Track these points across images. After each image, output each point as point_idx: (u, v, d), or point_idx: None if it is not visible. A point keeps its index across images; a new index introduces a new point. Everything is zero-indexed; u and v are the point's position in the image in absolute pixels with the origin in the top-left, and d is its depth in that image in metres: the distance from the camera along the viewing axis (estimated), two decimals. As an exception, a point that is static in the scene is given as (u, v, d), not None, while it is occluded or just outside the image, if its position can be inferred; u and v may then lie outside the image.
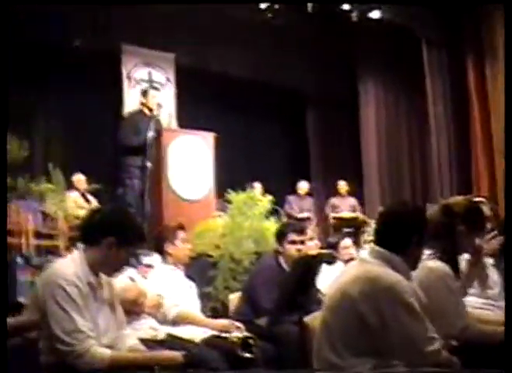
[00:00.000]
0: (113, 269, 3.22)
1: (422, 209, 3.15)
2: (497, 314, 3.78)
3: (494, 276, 4.01)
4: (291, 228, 5.08)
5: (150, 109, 7.88)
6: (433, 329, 2.73)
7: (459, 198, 3.67)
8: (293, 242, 4.93)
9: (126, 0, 9.71)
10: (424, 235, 2.96)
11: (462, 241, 3.41)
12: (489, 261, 3.95)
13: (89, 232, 3.17)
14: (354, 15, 11.41)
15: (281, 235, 4.99)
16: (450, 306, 3.21)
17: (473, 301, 3.75)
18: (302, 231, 5.07)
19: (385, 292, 2.69)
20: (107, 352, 2.97)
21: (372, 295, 2.70)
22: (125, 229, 3.16)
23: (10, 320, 3.12)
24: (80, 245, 3.16)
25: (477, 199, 4.07)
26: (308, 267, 3.80)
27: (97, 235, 3.11)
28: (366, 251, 3.15)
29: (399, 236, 2.89)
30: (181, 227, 4.81)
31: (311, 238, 5.45)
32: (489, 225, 3.85)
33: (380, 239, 2.94)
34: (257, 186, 10.22)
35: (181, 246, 4.70)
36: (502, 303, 3.86)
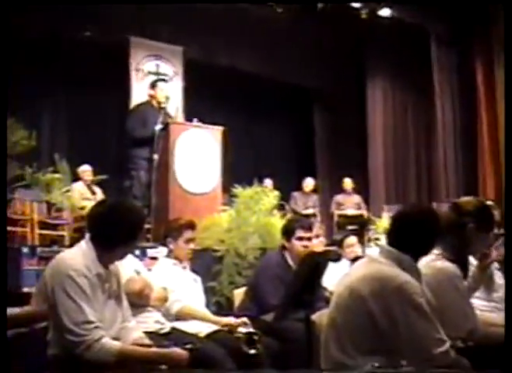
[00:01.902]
0: (119, 259, 3.29)
1: (437, 212, 3.13)
2: (502, 316, 3.78)
3: (499, 279, 4.00)
4: (299, 224, 5.03)
5: (158, 102, 7.85)
6: (441, 330, 2.72)
7: (469, 197, 3.65)
8: (300, 239, 4.90)
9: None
10: (436, 239, 2.96)
11: (472, 239, 3.40)
12: (495, 264, 3.94)
13: (105, 239, 3.16)
14: (363, 13, 11.40)
15: (288, 231, 4.95)
16: (457, 308, 3.19)
17: (478, 304, 3.73)
18: (309, 228, 5.04)
19: (395, 292, 2.68)
20: (117, 344, 2.97)
21: (382, 294, 2.69)
22: (140, 229, 3.27)
23: (16, 310, 3.12)
24: (87, 236, 3.17)
25: (487, 203, 4.04)
26: (315, 265, 3.77)
27: (116, 241, 3.15)
28: (376, 250, 3.14)
29: (412, 238, 2.89)
30: (190, 226, 4.72)
31: (317, 236, 5.43)
32: (497, 230, 3.83)
33: (392, 240, 2.93)
34: (268, 182, 10.24)
35: (182, 246, 4.64)
36: (507, 305, 3.88)
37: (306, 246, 4.89)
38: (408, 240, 2.88)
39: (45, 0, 8.93)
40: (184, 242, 4.64)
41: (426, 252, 2.97)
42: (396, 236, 2.93)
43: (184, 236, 4.64)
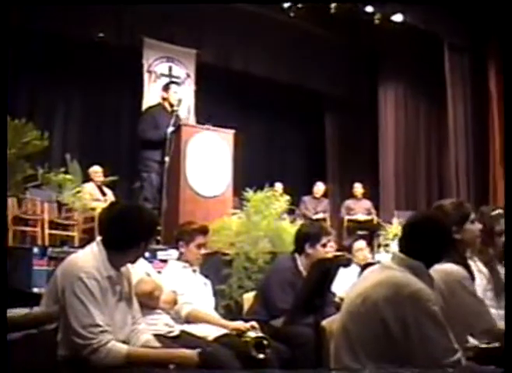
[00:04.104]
0: (132, 261, 3.29)
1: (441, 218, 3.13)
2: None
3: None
4: (323, 230, 5.04)
5: (171, 104, 7.86)
6: (453, 338, 2.71)
7: (446, 203, 3.62)
8: (324, 245, 4.92)
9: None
10: (448, 246, 2.96)
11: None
12: (502, 271, 3.92)
13: (117, 241, 3.16)
14: (376, 18, 11.38)
15: (313, 238, 4.91)
16: (469, 307, 3.18)
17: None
18: (329, 234, 5.06)
19: (409, 299, 2.67)
20: (124, 347, 2.96)
21: (396, 301, 2.68)
22: (153, 231, 3.27)
23: (26, 311, 3.11)
24: (98, 238, 3.17)
25: (498, 211, 4.02)
26: (326, 270, 3.77)
27: (128, 243, 3.15)
28: (387, 256, 3.13)
29: (424, 245, 2.88)
30: (203, 231, 4.69)
31: (329, 241, 5.41)
32: (503, 239, 3.81)
33: (403, 247, 2.92)
34: (279, 186, 10.24)
35: (194, 251, 4.62)
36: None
37: (327, 252, 4.91)
38: (419, 247, 2.87)
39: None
40: (195, 247, 4.62)
41: (437, 260, 2.96)
42: (407, 243, 2.92)
43: (196, 241, 4.62)
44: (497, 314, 3.80)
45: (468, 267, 3.37)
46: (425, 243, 2.88)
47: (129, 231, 3.13)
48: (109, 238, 3.14)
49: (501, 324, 3.70)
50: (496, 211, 3.98)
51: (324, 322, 3.57)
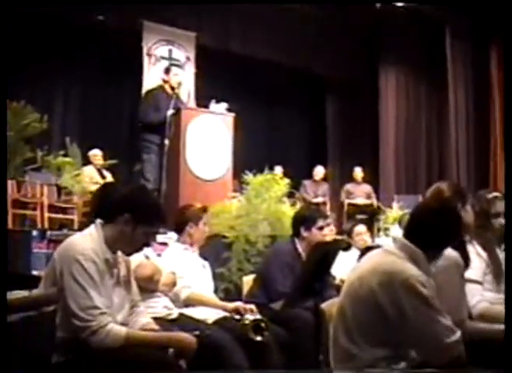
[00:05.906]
0: (132, 247, 3.18)
1: (458, 212, 3.12)
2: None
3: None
4: (320, 213, 5.07)
5: (172, 87, 7.83)
6: (450, 320, 2.71)
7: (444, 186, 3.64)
8: (321, 228, 4.89)
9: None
10: (453, 238, 2.96)
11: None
12: (501, 255, 3.91)
13: (104, 208, 3.17)
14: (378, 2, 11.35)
15: (309, 221, 4.89)
16: (453, 297, 3.16)
17: (489, 296, 3.70)
18: (326, 217, 5.06)
19: (403, 285, 2.67)
20: (123, 330, 2.95)
21: (390, 287, 2.69)
22: (142, 207, 3.11)
23: (25, 294, 3.11)
24: (98, 221, 3.14)
25: (494, 194, 4.01)
26: (325, 254, 3.77)
27: (113, 212, 3.09)
28: (387, 240, 3.13)
29: (429, 234, 2.87)
30: (205, 209, 4.80)
31: (327, 224, 5.40)
32: (502, 220, 3.80)
33: (408, 233, 2.91)
34: (278, 170, 10.22)
35: (203, 229, 4.70)
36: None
37: (325, 235, 4.89)
38: (423, 235, 2.87)
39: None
40: (203, 225, 4.70)
41: (439, 250, 2.95)
42: (412, 230, 2.92)
43: (203, 219, 4.71)
44: (496, 297, 3.81)
45: (465, 251, 3.36)
46: (427, 231, 2.88)
47: (114, 201, 3.15)
48: (97, 209, 3.15)
49: (500, 308, 3.71)
50: (492, 194, 3.97)
51: (324, 305, 3.58)
